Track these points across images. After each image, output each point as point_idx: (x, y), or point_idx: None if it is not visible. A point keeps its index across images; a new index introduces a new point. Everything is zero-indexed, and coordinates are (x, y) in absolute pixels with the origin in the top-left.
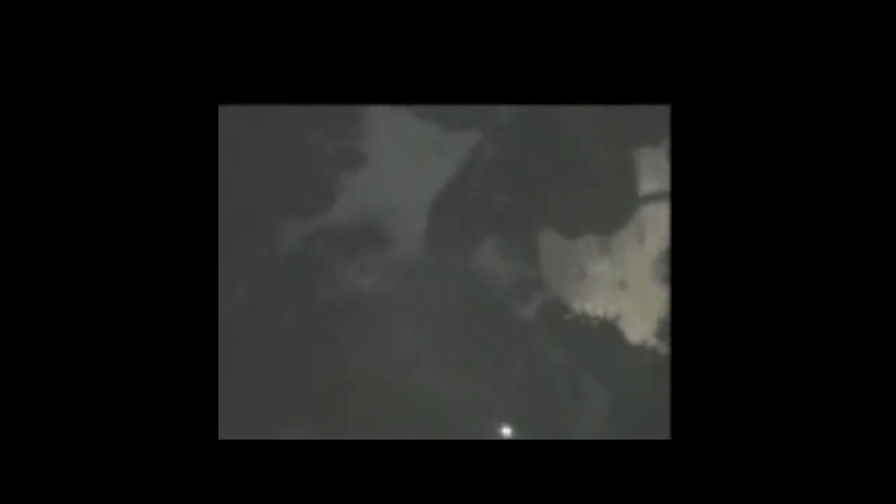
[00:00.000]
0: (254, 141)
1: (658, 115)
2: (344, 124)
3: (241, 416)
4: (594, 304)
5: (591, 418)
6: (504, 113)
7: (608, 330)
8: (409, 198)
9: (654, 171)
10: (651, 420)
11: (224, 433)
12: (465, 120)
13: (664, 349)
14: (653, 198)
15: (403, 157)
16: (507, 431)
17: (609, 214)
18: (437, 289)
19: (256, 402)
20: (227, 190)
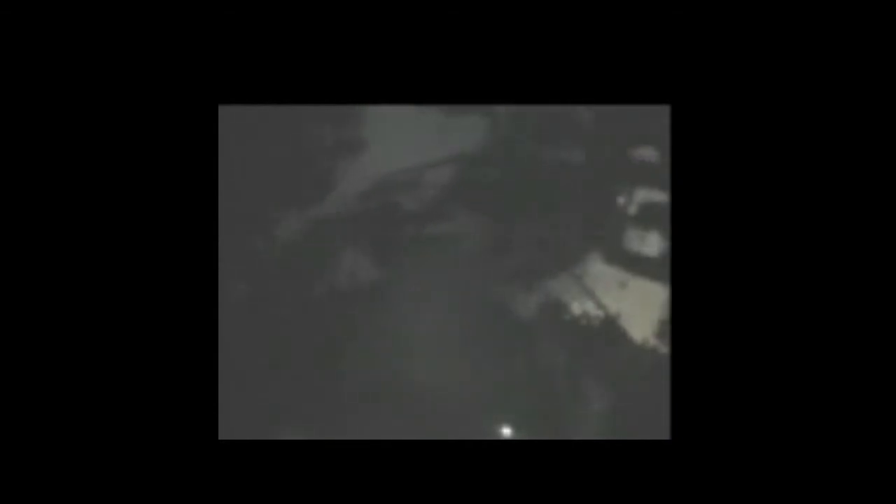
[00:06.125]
0: (252, 132)
1: (658, 115)
2: (343, 112)
3: (241, 417)
4: (594, 303)
5: (591, 418)
6: (504, 108)
7: (608, 329)
8: (407, 190)
9: (653, 172)
10: (651, 420)
11: (224, 433)
12: (464, 110)
13: (664, 349)
14: (652, 198)
15: (403, 145)
16: (507, 431)
17: (609, 214)
18: (436, 286)
19: (256, 401)
20: (226, 183)
